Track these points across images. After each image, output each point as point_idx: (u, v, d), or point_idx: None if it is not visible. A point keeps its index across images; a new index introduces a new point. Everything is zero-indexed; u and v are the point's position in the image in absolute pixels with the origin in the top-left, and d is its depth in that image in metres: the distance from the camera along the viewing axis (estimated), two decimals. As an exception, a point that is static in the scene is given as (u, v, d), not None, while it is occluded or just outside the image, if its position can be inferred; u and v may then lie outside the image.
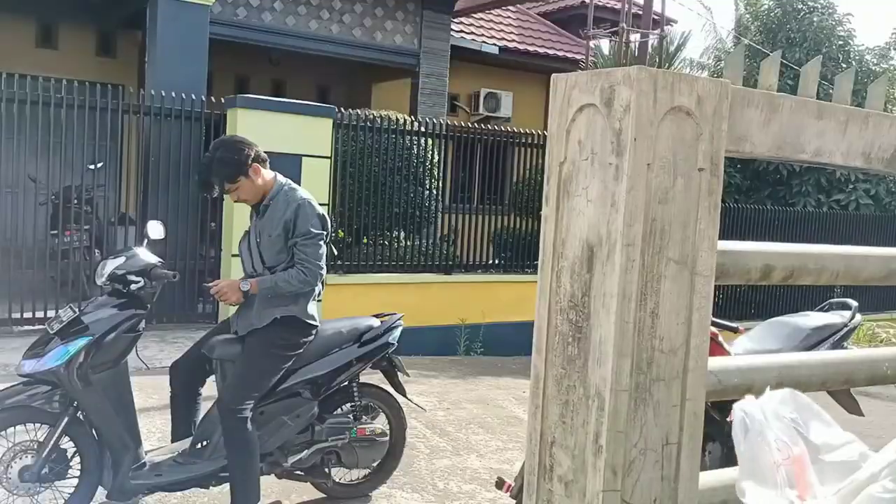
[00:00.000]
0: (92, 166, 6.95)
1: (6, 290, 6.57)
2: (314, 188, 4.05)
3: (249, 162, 3.11)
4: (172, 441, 3.34)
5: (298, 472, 3.42)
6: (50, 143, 6.73)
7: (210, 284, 3.25)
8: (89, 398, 3.00)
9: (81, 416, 3.04)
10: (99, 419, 3.04)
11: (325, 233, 3.18)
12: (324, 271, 3.19)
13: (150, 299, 3.25)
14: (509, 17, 12.94)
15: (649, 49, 11.20)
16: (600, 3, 13.56)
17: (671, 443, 1.56)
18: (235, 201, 3.25)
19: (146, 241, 3.37)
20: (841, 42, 12.18)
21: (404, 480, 3.96)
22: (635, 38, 12.14)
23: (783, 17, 12.36)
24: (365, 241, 7.91)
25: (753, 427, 0.83)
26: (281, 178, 3.23)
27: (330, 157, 7.52)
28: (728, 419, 3.78)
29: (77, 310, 3.07)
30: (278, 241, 3.13)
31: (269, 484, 3.52)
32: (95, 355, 2.99)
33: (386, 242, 8.01)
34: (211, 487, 3.28)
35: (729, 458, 3.46)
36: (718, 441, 3.47)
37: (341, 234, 7.46)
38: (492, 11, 12.32)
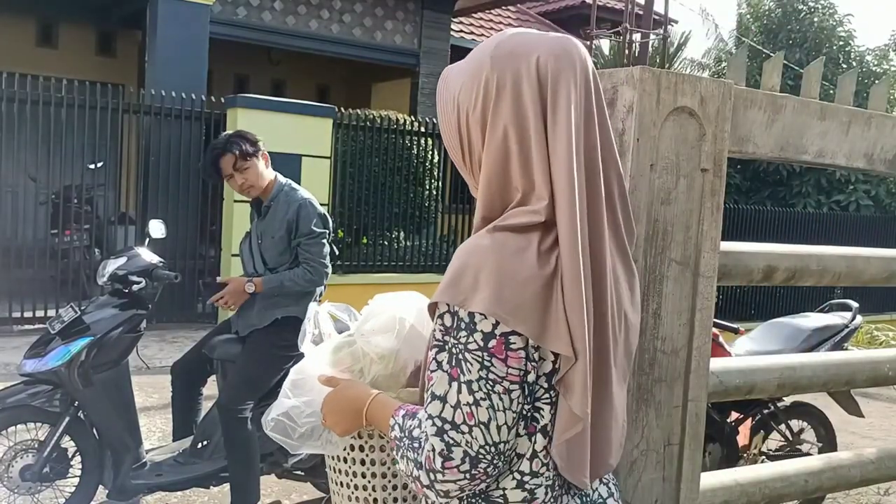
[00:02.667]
0: (92, 166, 6.95)
1: (6, 289, 6.57)
2: (314, 188, 4.05)
3: (261, 148, 3.21)
4: (173, 441, 3.34)
5: (299, 472, 3.41)
6: (50, 143, 6.73)
7: (213, 300, 3.21)
8: (90, 398, 3.00)
9: (82, 416, 3.03)
10: (100, 419, 3.04)
11: (327, 231, 3.19)
12: (328, 270, 3.19)
13: (151, 299, 3.25)
14: (509, 16, 12.95)
15: (650, 49, 11.20)
16: (601, 3, 13.56)
17: (672, 444, 1.56)
18: (240, 187, 3.19)
19: (148, 240, 3.36)
20: (841, 43, 12.18)
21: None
22: (636, 37, 12.13)
23: (784, 17, 12.36)
24: (365, 241, 7.91)
25: (312, 315, 1.49)
26: (281, 178, 3.24)
27: (330, 157, 7.52)
28: (728, 420, 3.77)
29: (78, 310, 3.06)
30: (281, 243, 3.13)
31: (270, 484, 3.53)
32: (97, 355, 2.99)
33: (386, 243, 8.01)
34: (211, 487, 3.27)
35: (730, 459, 3.46)
36: (719, 442, 3.47)
37: (341, 234, 7.47)
38: (492, 11, 12.32)
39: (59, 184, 6.90)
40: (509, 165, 1.04)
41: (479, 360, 0.98)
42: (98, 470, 3.05)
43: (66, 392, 2.98)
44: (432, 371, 1.03)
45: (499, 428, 0.98)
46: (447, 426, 0.99)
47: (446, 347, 1.02)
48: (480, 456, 0.98)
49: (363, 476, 1.32)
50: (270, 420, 1.37)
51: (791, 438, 3.73)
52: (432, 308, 1.06)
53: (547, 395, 1.02)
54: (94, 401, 3.01)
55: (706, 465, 3.18)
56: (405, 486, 1.33)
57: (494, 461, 0.99)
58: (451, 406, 0.99)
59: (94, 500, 3.09)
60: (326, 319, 1.52)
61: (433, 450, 0.99)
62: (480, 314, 0.98)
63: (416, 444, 1.03)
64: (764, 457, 3.60)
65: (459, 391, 0.98)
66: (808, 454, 3.60)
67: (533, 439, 1.03)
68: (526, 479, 1.04)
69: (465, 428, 0.98)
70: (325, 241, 3.17)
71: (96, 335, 3.00)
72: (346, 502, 1.36)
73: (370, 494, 1.32)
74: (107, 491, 3.10)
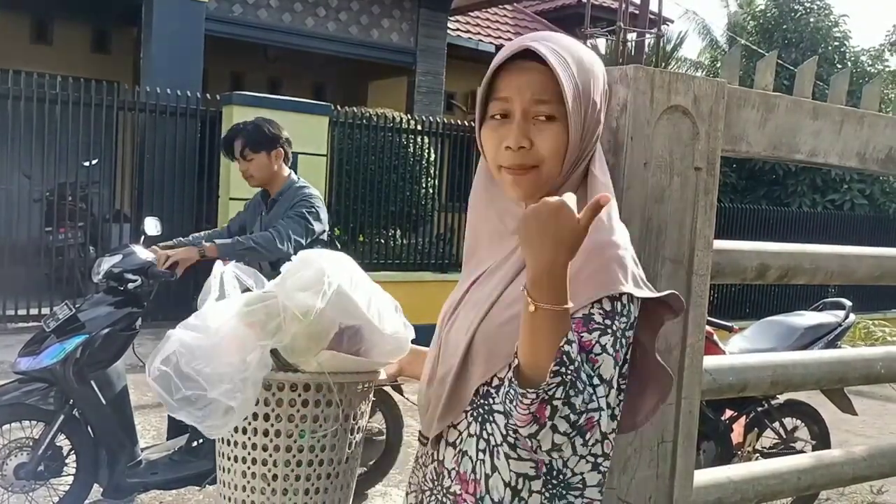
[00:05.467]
0: (87, 163, 6.92)
1: (0, 287, 6.55)
2: (310, 186, 4.04)
3: (277, 144, 3.19)
4: (168, 439, 3.34)
5: (294, 470, 3.41)
6: (44, 140, 6.70)
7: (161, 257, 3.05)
8: (85, 396, 2.99)
9: (77, 414, 3.03)
10: (95, 417, 3.04)
11: (316, 226, 3.18)
12: (291, 247, 3.05)
13: (146, 297, 3.24)
14: (506, 15, 12.95)
15: (646, 48, 11.21)
16: (597, 2, 13.57)
17: (666, 441, 1.57)
18: (242, 172, 3.22)
19: (144, 238, 3.36)
20: (836, 43, 12.21)
21: (400, 479, 3.96)
22: (632, 37, 12.15)
23: (779, 17, 12.39)
24: (361, 239, 7.91)
25: (217, 273, 1.46)
26: (294, 176, 3.27)
27: (326, 155, 7.51)
28: (722, 417, 3.79)
29: (73, 307, 3.06)
30: None
31: (265, 482, 3.53)
32: (91, 353, 2.99)
33: (382, 241, 8.01)
34: (206, 486, 3.27)
35: (724, 457, 3.47)
36: (713, 439, 3.48)
37: (338, 231, 7.47)
38: (488, 10, 12.31)
39: (53, 181, 6.88)
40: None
41: (629, 340, 1.06)
42: (93, 468, 3.05)
43: (61, 390, 2.97)
44: (597, 354, 1.03)
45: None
46: (613, 412, 1.05)
47: (609, 331, 1.04)
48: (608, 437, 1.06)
49: (264, 449, 1.21)
50: (155, 368, 1.24)
51: (785, 436, 3.74)
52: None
53: (625, 383, 1.09)
54: (89, 399, 3.01)
55: (700, 463, 3.19)
56: (310, 463, 1.22)
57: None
58: (616, 390, 1.04)
59: (89, 498, 3.09)
60: (232, 280, 1.46)
61: (602, 431, 1.02)
62: (628, 296, 1.05)
63: (578, 397, 0.96)
64: (758, 454, 3.62)
65: (619, 375, 1.05)
66: (801, 452, 3.61)
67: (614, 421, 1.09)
68: (600, 460, 1.07)
69: (618, 411, 1.06)
70: (305, 224, 3.15)
71: (91, 333, 2.99)
72: (238, 479, 1.23)
73: (269, 470, 1.21)
74: (101, 489, 3.10)
